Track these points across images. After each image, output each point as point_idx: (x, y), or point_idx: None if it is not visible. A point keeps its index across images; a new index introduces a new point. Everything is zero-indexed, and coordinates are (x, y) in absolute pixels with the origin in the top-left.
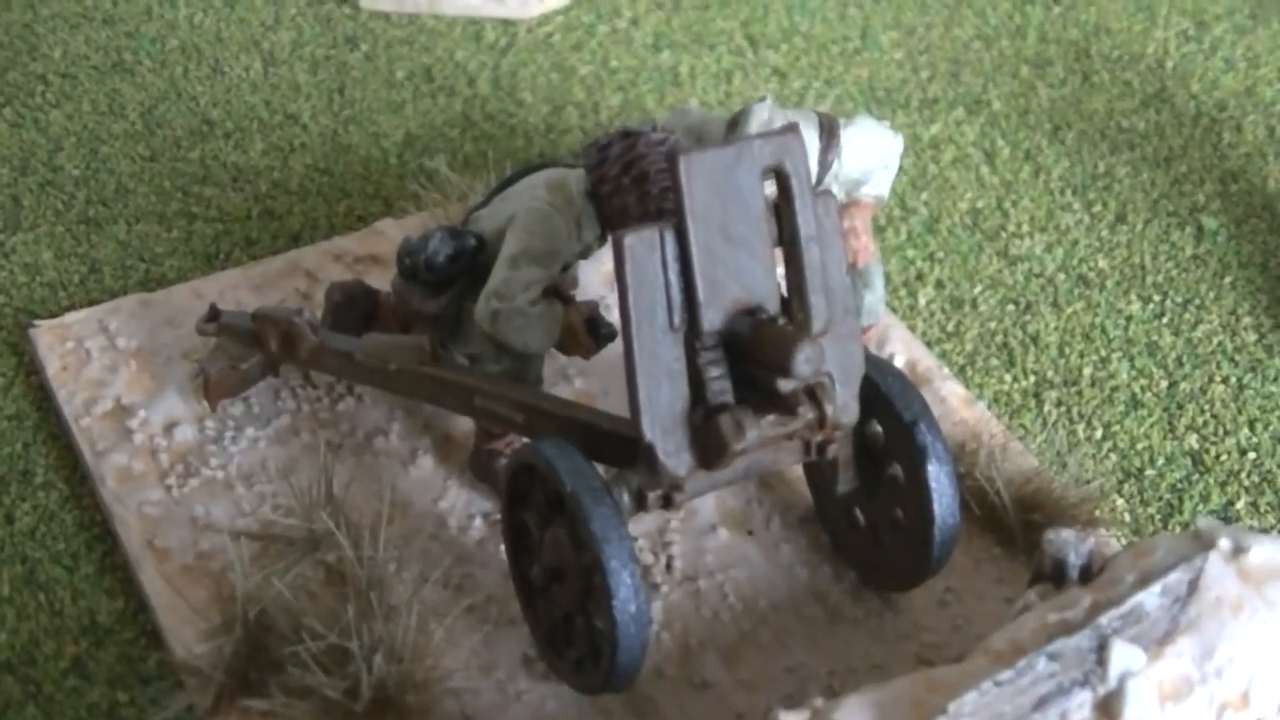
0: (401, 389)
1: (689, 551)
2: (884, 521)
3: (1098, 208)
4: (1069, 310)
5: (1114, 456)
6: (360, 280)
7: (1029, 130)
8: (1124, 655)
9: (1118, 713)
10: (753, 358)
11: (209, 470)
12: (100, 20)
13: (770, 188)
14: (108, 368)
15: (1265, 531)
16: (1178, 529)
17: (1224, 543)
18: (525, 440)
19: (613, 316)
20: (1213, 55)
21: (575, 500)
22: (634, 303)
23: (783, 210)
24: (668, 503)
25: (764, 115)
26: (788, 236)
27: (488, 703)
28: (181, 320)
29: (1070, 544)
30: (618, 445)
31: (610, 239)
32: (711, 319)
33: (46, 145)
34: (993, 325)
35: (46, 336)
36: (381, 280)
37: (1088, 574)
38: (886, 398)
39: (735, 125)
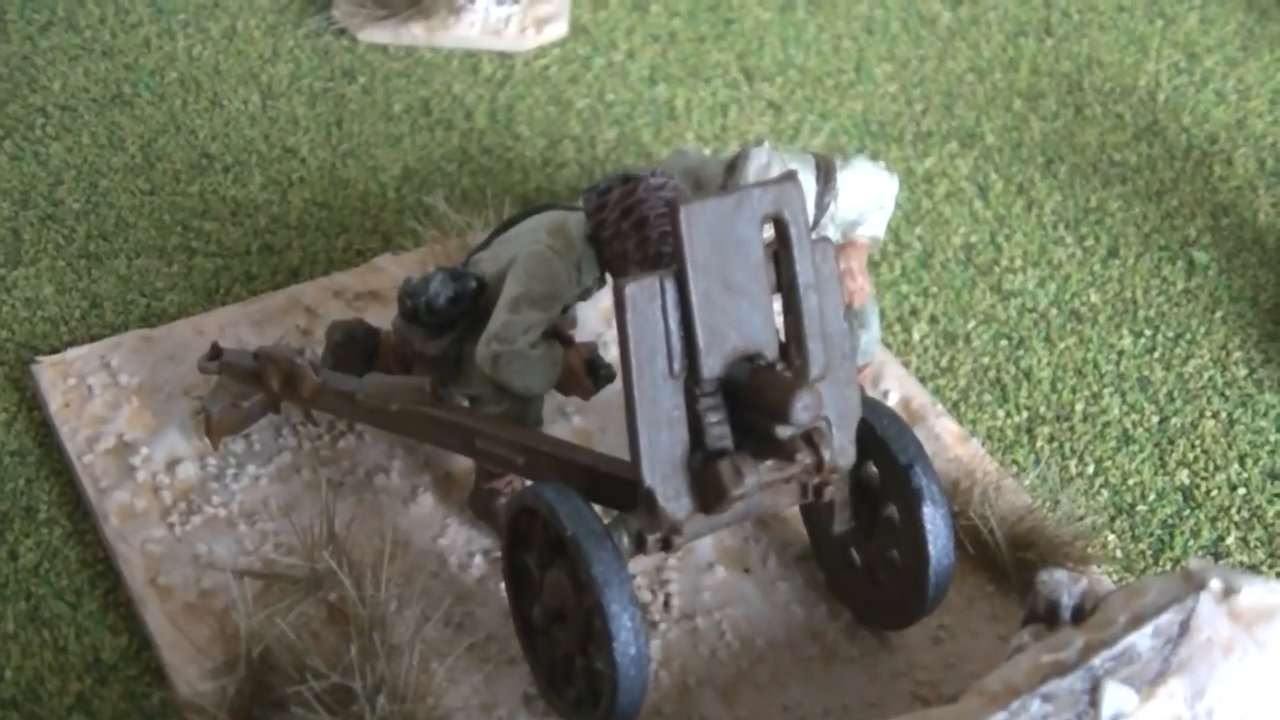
0: (403, 429)
1: (687, 589)
2: (879, 561)
3: (1090, 242)
4: (1061, 345)
5: (1106, 492)
6: (361, 319)
7: (1022, 164)
8: (1116, 696)
9: None
10: (751, 404)
11: (211, 508)
12: (99, 53)
13: (768, 232)
14: (110, 404)
15: (1255, 571)
16: (1169, 565)
17: (1215, 583)
18: (524, 479)
19: (611, 354)
20: (1204, 88)
21: (576, 545)
22: (635, 350)
23: (781, 257)
24: (666, 545)
25: (762, 159)
26: (786, 283)
27: None
28: (183, 356)
29: (1064, 585)
30: (617, 488)
31: (611, 285)
32: (711, 366)
33: (47, 179)
34: (986, 361)
35: (48, 372)
36: (381, 317)
37: (1080, 614)
38: (882, 440)
39: (733, 169)
